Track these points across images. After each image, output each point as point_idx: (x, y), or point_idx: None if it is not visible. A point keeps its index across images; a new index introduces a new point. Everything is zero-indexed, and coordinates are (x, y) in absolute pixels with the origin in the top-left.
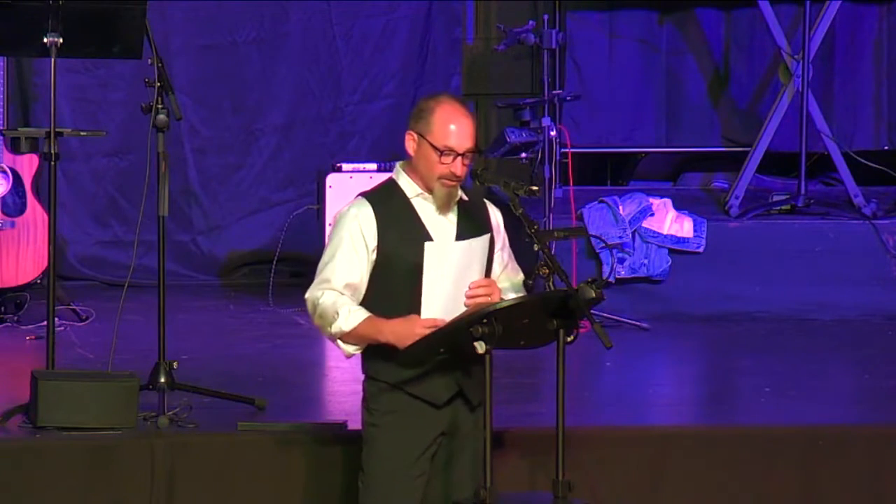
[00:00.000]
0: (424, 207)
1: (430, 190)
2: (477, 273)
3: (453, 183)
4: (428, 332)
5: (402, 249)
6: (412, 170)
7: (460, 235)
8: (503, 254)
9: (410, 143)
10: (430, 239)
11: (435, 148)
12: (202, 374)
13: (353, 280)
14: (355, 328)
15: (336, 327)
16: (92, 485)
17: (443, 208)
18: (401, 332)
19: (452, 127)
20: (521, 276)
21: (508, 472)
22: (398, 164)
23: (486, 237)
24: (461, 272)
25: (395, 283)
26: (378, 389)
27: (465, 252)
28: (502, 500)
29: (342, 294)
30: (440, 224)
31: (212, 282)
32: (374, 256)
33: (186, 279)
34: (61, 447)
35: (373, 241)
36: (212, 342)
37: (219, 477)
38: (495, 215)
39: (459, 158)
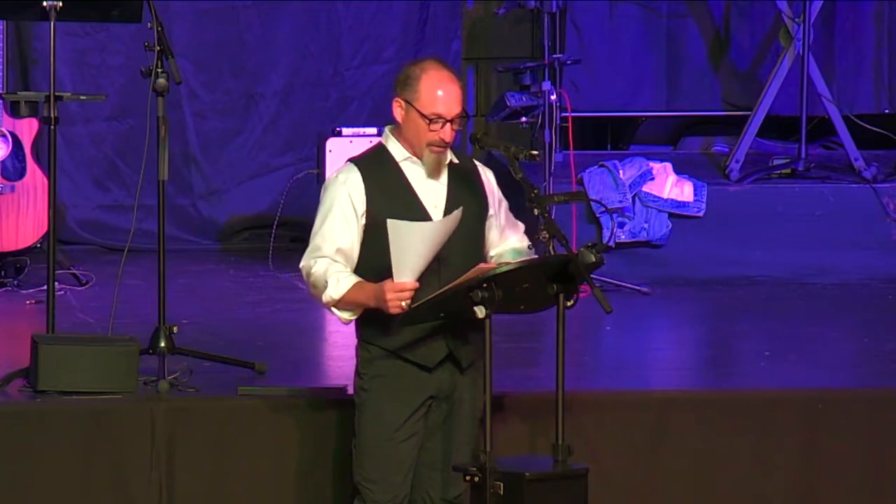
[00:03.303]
0: (414, 171)
1: (419, 155)
2: (465, 241)
3: (442, 149)
4: (397, 296)
5: (391, 214)
6: (400, 134)
7: (451, 200)
8: (500, 217)
9: (398, 110)
10: (420, 203)
11: (423, 115)
12: (202, 339)
13: (343, 245)
14: (344, 295)
15: (327, 296)
16: (92, 449)
17: (433, 174)
18: (380, 296)
19: (440, 93)
20: (519, 235)
21: (508, 436)
22: (387, 128)
23: (472, 206)
24: (437, 245)
25: (385, 248)
26: (370, 355)
27: (434, 230)
28: (502, 464)
29: (334, 261)
30: (430, 188)
31: (212, 246)
32: (363, 221)
33: (186, 243)
34: (62, 411)
35: (361, 206)
36: (212, 307)
37: (219, 441)
38: (486, 176)
39: (448, 124)
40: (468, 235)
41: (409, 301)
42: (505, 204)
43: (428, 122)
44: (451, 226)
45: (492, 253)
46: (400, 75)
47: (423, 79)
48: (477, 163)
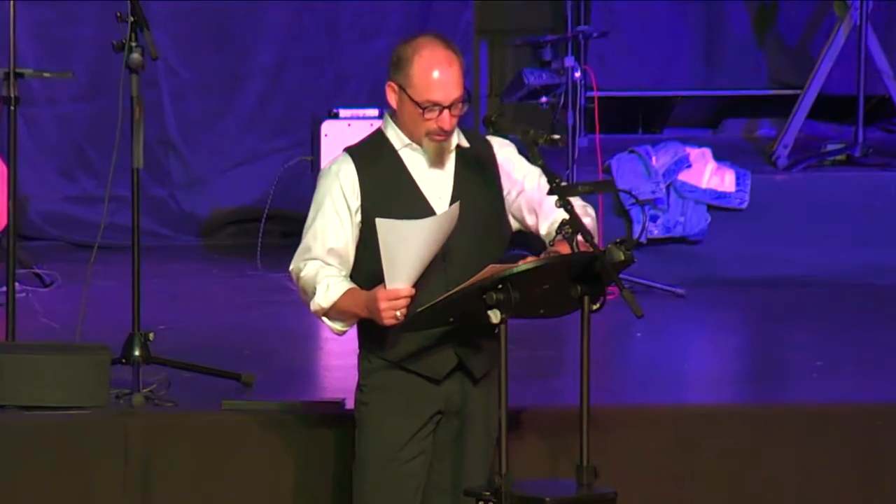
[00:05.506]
0: (415, 160)
1: (418, 142)
2: (476, 234)
3: (442, 137)
4: (391, 305)
5: (389, 208)
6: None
7: (457, 189)
8: (531, 190)
9: (391, 95)
10: (421, 195)
11: (417, 103)
12: (182, 347)
13: (336, 245)
14: (334, 304)
15: (315, 304)
16: (59, 470)
17: (436, 163)
18: (371, 305)
19: (435, 76)
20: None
21: (526, 456)
22: (386, 113)
23: (482, 195)
24: (434, 246)
25: None
26: (371, 365)
27: (429, 229)
28: (519, 488)
29: (326, 264)
30: (434, 178)
31: (193, 242)
32: (358, 218)
33: (164, 239)
34: (24, 428)
35: (355, 201)
36: (193, 310)
37: (200, 461)
38: (503, 153)
39: (446, 111)
40: (479, 227)
41: (404, 310)
42: (534, 174)
43: (422, 110)
44: (449, 222)
45: (542, 231)
46: (392, 55)
47: (415, 60)
48: (493, 139)
